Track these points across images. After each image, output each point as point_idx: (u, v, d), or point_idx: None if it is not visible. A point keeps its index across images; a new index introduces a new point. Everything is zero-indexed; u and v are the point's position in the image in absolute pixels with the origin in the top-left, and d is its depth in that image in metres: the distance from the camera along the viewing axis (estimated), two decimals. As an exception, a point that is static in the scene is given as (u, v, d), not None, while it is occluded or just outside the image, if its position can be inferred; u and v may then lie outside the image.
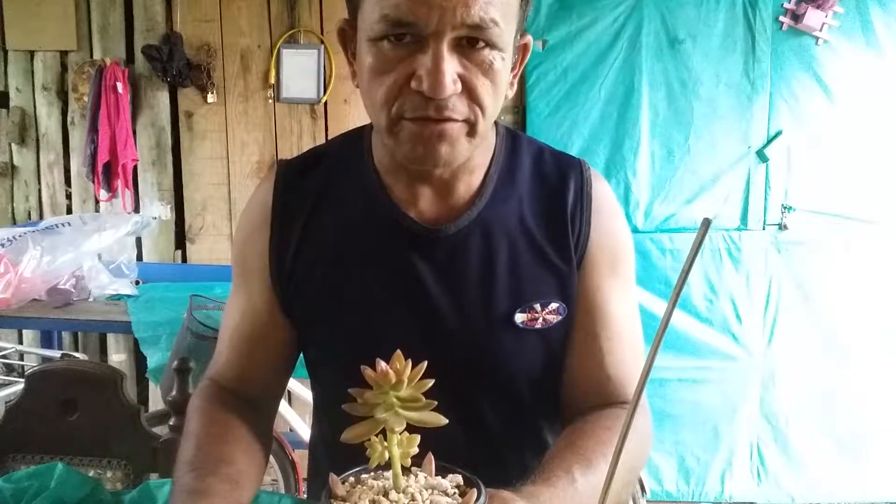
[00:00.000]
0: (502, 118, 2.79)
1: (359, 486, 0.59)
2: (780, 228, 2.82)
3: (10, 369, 2.64)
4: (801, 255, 2.83)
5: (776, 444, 2.87)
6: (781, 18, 2.74)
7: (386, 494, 0.57)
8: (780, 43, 2.75)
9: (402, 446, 0.57)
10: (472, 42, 0.74)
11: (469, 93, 0.76)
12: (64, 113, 2.99)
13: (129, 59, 2.94)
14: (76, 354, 2.61)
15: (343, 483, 0.59)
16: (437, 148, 0.77)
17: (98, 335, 3.00)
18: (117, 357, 3.00)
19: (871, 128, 2.78)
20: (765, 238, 2.82)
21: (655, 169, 2.81)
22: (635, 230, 2.80)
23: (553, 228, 0.89)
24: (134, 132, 2.93)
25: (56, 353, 2.53)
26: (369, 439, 0.57)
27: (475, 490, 0.59)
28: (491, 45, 0.75)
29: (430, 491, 0.58)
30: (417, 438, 0.58)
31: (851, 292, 2.81)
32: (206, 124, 2.93)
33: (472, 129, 0.79)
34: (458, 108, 0.76)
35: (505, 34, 0.76)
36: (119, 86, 2.80)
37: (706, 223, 0.38)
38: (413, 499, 0.57)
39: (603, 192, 0.92)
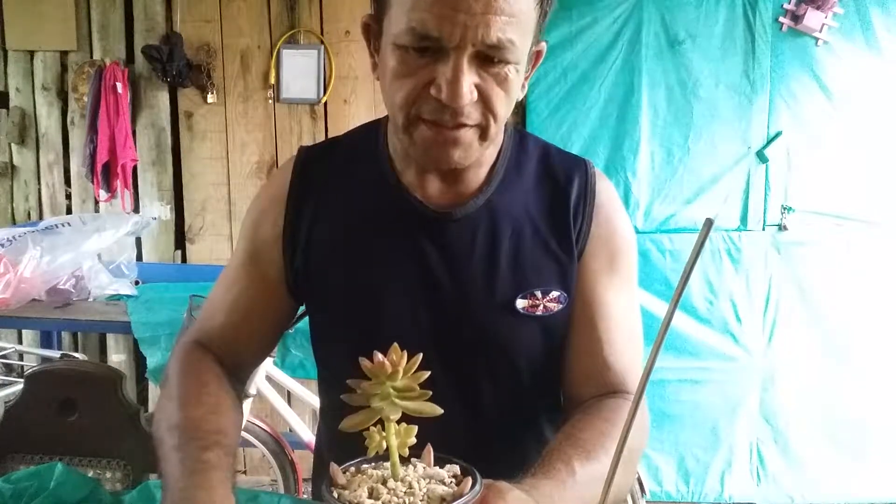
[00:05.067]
0: (502, 118, 2.79)
1: (358, 475, 0.60)
2: (780, 229, 2.82)
3: (9, 369, 2.64)
4: (801, 255, 2.83)
5: (776, 445, 2.87)
6: (781, 19, 2.74)
7: (384, 483, 0.58)
8: (779, 44, 2.75)
9: (399, 436, 0.59)
10: (489, 57, 0.78)
11: (484, 101, 0.80)
12: (64, 113, 2.99)
13: (129, 59, 2.94)
14: (76, 354, 2.60)
15: (344, 473, 0.60)
16: (450, 152, 0.82)
17: (98, 335, 3.00)
18: (117, 357, 3.00)
19: (871, 128, 2.78)
20: (765, 239, 2.82)
21: (655, 169, 2.81)
22: (635, 230, 2.79)
23: (556, 220, 0.92)
24: (134, 132, 2.93)
25: (56, 353, 2.53)
26: (368, 429, 0.58)
27: (470, 478, 0.59)
28: (506, 61, 0.79)
29: (427, 480, 0.59)
30: (415, 429, 0.60)
31: (851, 292, 2.81)
32: (206, 124, 2.93)
33: (483, 133, 0.83)
34: (473, 115, 0.81)
35: (520, 50, 0.80)
36: (118, 86, 2.80)
37: (708, 223, 0.38)
38: (410, 487, 0.58)
39: (606, 191, 0.96)
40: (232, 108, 2.92)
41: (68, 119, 2.99)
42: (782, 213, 2.81)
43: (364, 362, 0.59)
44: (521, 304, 0.90)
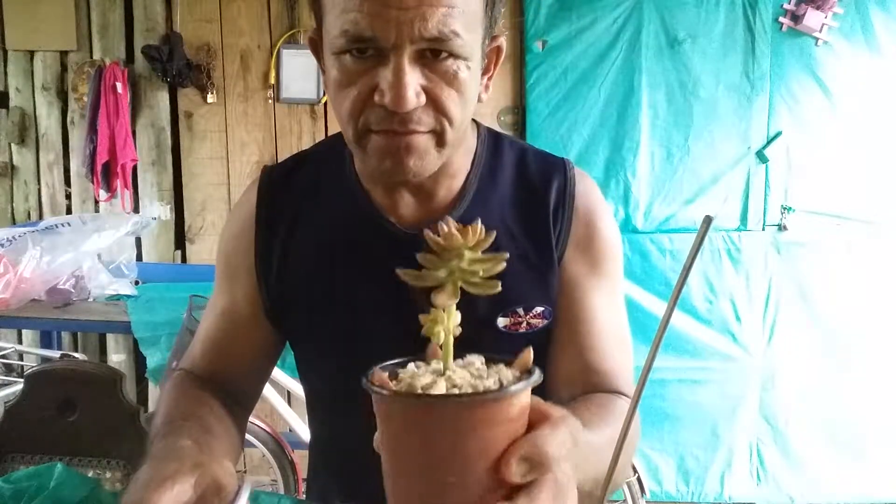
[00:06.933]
0: (502, 118, 2.79)
1: (395, 381, 0.54)
2: (780, 229, 2.82)
3: (9, 369, 2.64)
4: (801, 255, 2.83)
5: (775, 445, 2.87)
6: (781, 19, 2.74)
7: (440, 375, 0.54)
8: (779, 44, 2.75)
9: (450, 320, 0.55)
10: (434, 53, 0.73)
11: (434, 104, 0.75)
12: (64, 113, 2.99)
13: (129, 59, 2.94)
14: (76, 354, 2.61)
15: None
16: (405, 161, 0.76)
17: (98, 335, 3.00)
18: (117, 357, 3.00)
19: (871, 128, 2.78)
20: (764, 238, 2.82)
21: (655, 169, 2.81)
22: (635, 230, 2.80)
23: (535, 230, 0.88)
24: (134, 132, 2.93)
25: (55, 353, 2.53)
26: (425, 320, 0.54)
27: (529, 349, 0.54)
28: (454, 55, 0.74)
29: (465, 368, 0.55)
30: (459, 315, 0.56)
31: (851, 292, 2.81)
32: (206, 124, 2.93)
33: (440, 139, 0.77)
34: (424, 120, 0.75)
35: (468, 44, 0.74)
36: (118, 86, 2.81)
37: (707, 220, 0.38)
38: (469, 370, 0.54)
39: (587, 191, 0.91)
40: (232, 108, 2.92)
41: (68, 119, 2.99)
42: (782, 213, 2.81)
43: (432, 236, 0.54)
44: (502, 322, 0.87)
